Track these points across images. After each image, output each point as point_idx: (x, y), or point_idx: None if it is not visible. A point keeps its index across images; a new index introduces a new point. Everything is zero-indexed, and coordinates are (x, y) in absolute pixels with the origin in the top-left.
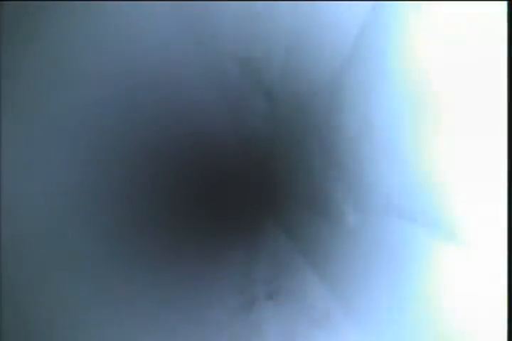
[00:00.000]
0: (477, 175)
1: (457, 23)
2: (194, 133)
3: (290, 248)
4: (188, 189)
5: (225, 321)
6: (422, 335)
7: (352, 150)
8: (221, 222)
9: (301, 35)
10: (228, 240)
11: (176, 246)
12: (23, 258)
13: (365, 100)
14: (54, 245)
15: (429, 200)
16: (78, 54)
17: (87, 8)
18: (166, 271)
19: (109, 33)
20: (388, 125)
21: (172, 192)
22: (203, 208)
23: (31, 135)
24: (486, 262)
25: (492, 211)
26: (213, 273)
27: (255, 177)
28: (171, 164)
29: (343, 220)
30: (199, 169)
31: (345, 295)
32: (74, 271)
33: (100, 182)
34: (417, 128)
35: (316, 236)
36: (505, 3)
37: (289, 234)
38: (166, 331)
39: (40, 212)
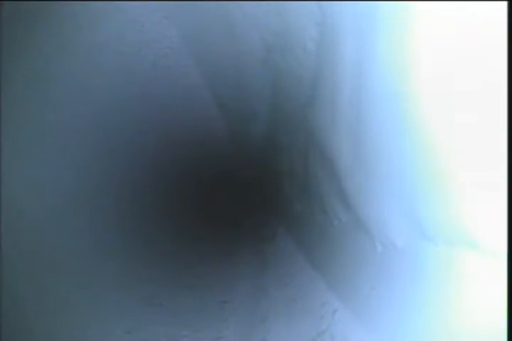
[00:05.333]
0: (498, 182)
1: (456, 23)
2: (192, 137)
3: (295, 251)
4: (188, 190)
5: None
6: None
7: (344, 147)
8: (224, 223)
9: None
10: (232, 243)
11: (177, 245)
12: (23, 257)
13: (359, 99)
14: (54, 245)
15: (447, 209)
16: (77, 53)
17: (86, 9)
18: (165, 273)
19: (110, 34)
20: (383, 125)
21: (172, 192)
22: (204, 208)
23: (31, 135)
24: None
25: None
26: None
27: (254, 177)
28: (171, 166)
29: (337, 218)
30: (196, 170)
31: (353, 301)
32: (74, 270)
33: (100, 183)
34: (413, 132)
35: (318, 236)
36: (505, 3)
37: (291, 232)
38: None
39: (40, 212)
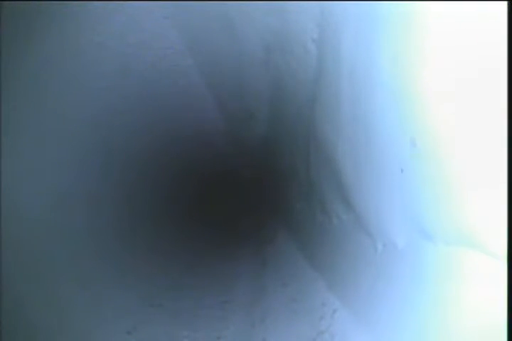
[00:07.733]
0: (498, 182)
1: (456, 23)
2: (192, 137)
3: (295, 251)
4: (188, 190)
5: None
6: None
7: (344, 147)
8: (224, 223)
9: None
10: (234, 243)
11: (176, 245)
12: (23, 257)
13: (362, 99)
14: (54, 245)
15: (447, 209)
16: (77, 54)
17: (86, 9)
18: (165, 273)
19: (110, 34)
20: (385, 127)
21: (172, 192)
22: (204, 208)
23: (31, 136)
24: None
25: None
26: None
27: (254, 177)
28: (171, 166)
29: (337, 218)
30: (196, 170)
31: (353, 301)
32: (74, 270)
33: (100, 183)
34: (414, 130)
35: (318, 236)
36: (505, 3)
37: (291, 232)
38: None
39: (39, 212)
